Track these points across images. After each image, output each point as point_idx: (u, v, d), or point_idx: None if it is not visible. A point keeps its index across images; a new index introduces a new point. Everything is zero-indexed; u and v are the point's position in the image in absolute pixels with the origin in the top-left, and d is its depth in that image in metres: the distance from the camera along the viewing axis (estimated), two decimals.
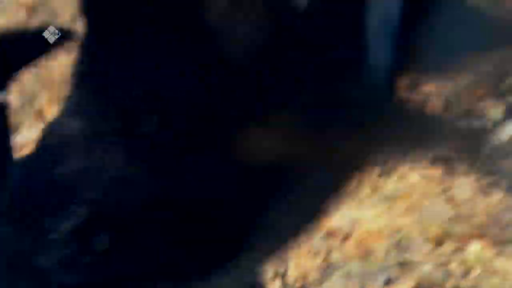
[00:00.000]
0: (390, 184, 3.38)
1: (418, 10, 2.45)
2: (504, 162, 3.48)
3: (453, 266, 2.95)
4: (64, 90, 3.69)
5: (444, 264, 2.98)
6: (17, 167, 2.58)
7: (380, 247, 3.12)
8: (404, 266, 3.03)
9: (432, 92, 3.96)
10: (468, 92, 3.98)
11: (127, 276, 2.53)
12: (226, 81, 2.39)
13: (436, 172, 3.44)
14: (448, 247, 3.05)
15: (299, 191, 2.74)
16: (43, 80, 4.44)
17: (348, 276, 3.06)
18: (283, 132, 2.36)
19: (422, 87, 4.04)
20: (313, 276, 3.15)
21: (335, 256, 3.14)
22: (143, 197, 2.43)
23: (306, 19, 2.32)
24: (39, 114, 4.21)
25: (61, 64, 4.29)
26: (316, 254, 3.17)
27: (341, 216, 3.28)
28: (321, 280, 3.09)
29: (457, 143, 3.59)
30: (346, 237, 3.21)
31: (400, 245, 3.11)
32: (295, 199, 2.86)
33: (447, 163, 3.50)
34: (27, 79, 4.38)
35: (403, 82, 4.11)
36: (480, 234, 3.06)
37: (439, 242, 3.09)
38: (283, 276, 3.26)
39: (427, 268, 2.98)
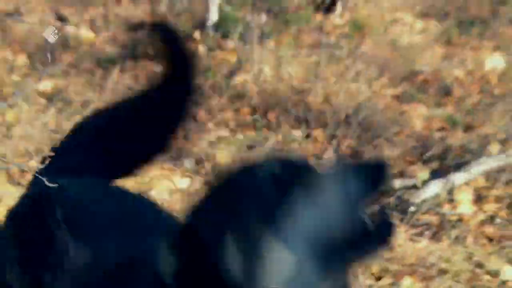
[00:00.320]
0: None
1: None
2: (427, 216, 3.92)
3: None
4: None
5: None
6: None
7: None
8: None
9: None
10: (401, 159, 4.48)
11: None
12: None
13: None
14: (385, 281, 3.44)
15: None
16: None
17: None
18: None
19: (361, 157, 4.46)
20: None
21: None
22: None
23: None
24: None
25: None
26: None
27: None
28: None
29: (392, 200, 4.01)
30: None
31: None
32: None
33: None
34: None
35: None
36: (410, 271, 3.48)
37: (378, 277, 3.48)
38: None
39: None
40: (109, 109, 2.83)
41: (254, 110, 5.02)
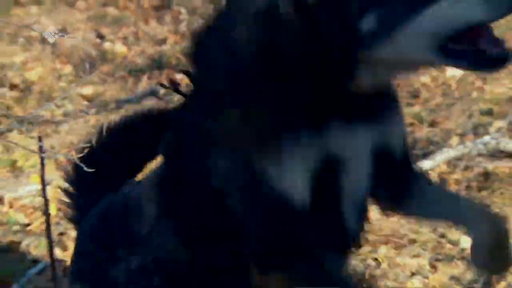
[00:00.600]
0: None
1: None
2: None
3: (370, 261, 3.34)
4: None
5: (364, 260, 3.34)
6: None
7: None
8: None
9: None
10: None
11: None
12: None
13: None
14: (366, 249, 3.33)
15: None
16: None
17: None
18: None
19: None
20: None
21: None
22: None
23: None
24: None
25: None
26: None
27: None
28: None
29: None
30: None
31: None
32: None
33: None
34: None
35: None
36: (386, 241, 3.49)
37: (359, 246, 3.45)
38: None
39: (354, 262, 3.05)
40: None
41: None
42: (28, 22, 6.95)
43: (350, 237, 1.98)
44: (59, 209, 3.09)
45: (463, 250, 3.41)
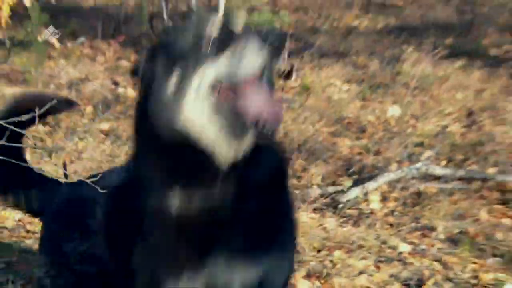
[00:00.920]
0: None
1: None
2: (350, 210, 3.87)
3: (327, 263, 3.27)
4: None
5: (322, 261, 3.28)
6: None
7: None
8: (299, 262, 3.21)
9: (312, 173, 4.37)
10: (333, 173, 4.42)
11: None
12: None
13: (316, 216, 3.77)
14: (323, 253, 3.38)
15: None
16: None
17: None
18: None
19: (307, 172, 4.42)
20: None
21: None
22: None
23: None
24: None
25: None
26: None
27: None
28: None
29: (326, 202, 3.93)
30: None
31: (299, 252, 3.24)
32: None
33: (321, 211, 3.84)
34: None
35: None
36: (339, 246, 3.42)
37: (318, 250, 3.41)
38: None
39: (313, 263, 3.25)
40: None
41: None
42: (57, 72, 6.97)
43: None
44: None
45: (400, 253, 3.38)
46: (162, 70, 1.57)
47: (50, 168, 3.82)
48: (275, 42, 1.51)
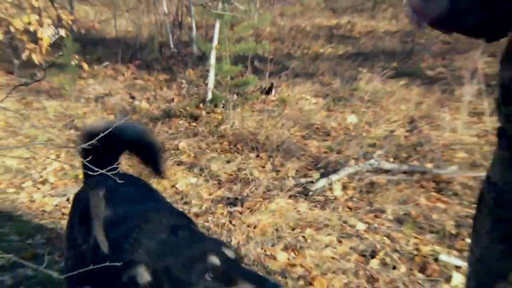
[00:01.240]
0: (272, 205, 3.58)
1: None
2: (318, 197, 3.79)
3: (300, 238, 3.24)
4: None
5: (296, 237, 3.25)
6: None
7: (269, 230, 3.32)
8: (278, 238, 3.21)
9: (288, 168, 4.33)
10: (305, 168, 4.37)
11: None
12: None
13: (291, 201, 3.72)
14: (297, 230, 3.34)
15: None
16: None
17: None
18: None
19: (284, 167, 4.37)
20: None
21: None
22: None
23: None
24: None
25: None
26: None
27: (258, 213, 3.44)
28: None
29: (299, 190, 3.86)
30: (254, 226, 3.37)
31: (277, 231, 3.32)
32: None
33: (295, 197, 3.79)
34: None
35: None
36: (310, 225, 3.40)
37: (293, 228, 3.35)
38: None
39: (289, 239, 3.21)
40: None
41: (230, 143, 4.93)
42: (86, 88, 6.92)
43: None
44: None
45: (357, 231, 3.35)
46: None
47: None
48: None
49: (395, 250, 3.11)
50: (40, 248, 3.24)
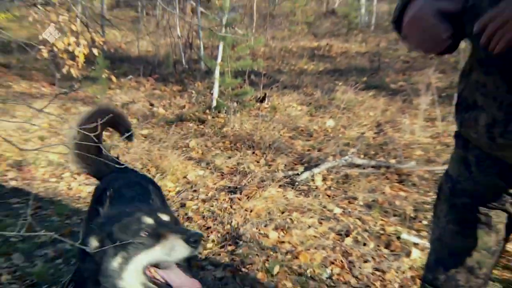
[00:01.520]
0: (265, 193, 3.54)
1: None
2: (303, 186, 3.75)
3: (288, 220, 3.18)
4: None
5: (285, 219, 3.17)
6: None
7: (263, 213, 3.28)
8: (270, 220, 3.16)
9: (278, 162, 4.32)
10: (292, 163, 4.33)
11: None
12: None
13: (280, 189, 3.67)
14: (286, 214, 3.27)
15: None
16: None
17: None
18: None
19: (275, 162, 4.35)
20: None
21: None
22: None
23: None
24: None
25: None
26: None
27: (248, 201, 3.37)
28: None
29: (287, 181, 3.81)
30: (250, 210, 3.29)
31: (269, 214, 3.27)
32: None
33: (284, 187, 3.73)
34: None
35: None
36: (295, 209, 3.34)
37: (282, 212, 3.32)
38: None
39: (279, 220, 3.15)
40: None
41: (231, 142, 4.90)
42: (115, 97, 6.87)
43: None
44: None
45: (335, 214, 3.31)
46: (110, 251, 1.41)
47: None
48: (195, 243, 1.37)
49: (365, 230, 3.09)
50: (76, 227, 3.22)
